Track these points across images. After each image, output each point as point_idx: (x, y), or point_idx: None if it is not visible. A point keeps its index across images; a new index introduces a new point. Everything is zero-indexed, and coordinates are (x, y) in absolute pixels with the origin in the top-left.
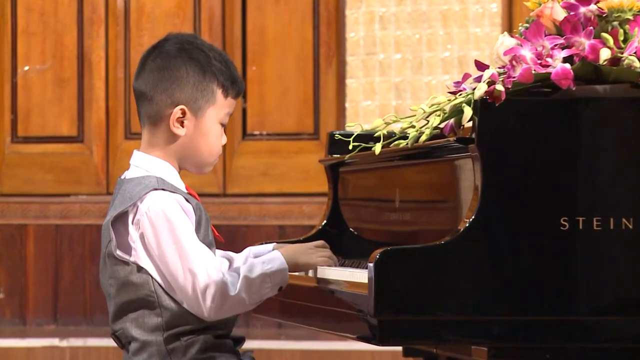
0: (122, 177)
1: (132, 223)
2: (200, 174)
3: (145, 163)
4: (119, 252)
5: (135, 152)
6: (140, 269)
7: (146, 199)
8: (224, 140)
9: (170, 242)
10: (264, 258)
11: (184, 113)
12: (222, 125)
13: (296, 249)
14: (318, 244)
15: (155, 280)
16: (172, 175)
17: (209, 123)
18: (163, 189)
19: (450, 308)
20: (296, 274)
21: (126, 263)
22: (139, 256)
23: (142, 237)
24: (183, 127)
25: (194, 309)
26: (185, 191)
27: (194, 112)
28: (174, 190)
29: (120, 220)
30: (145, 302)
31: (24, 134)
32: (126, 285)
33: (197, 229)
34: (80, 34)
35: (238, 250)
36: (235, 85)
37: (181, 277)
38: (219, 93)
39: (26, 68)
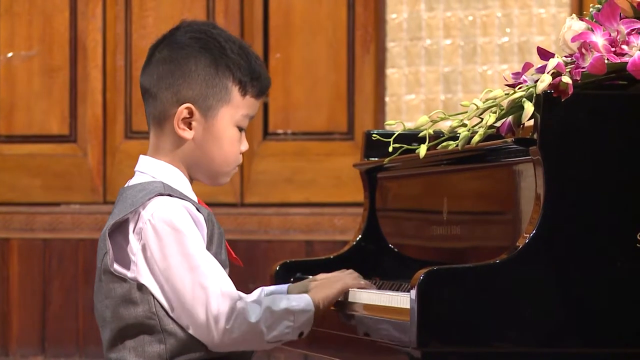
0: (125, 185)
1: (134, 232)
2: (214, 185)
3: (151, 168)
4: (116, 267)
5: (141, 157)
6: (140, 287)
7: (149, 205)
8: (244, 146)
9: (178, 254)
10: (290, 295)
11: (191, 113)
12: (240, 128)
13: (316, 284)
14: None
15: (157, 301)
16: (181, 183)
17: (222, 125)
18: (170, 195)
19: (508, 338)
20: None
21: (124, 280)
22: (140, 271)
23: (144, 248)
24: (191, 129)
25: (203, 333)
26: (196, 201)
27: (204, 113)
28: (182, 197)
29: (120, 230)
30: (145, 327)
31: (6, 132)
32: (123, 306)
33: (208, 246)
34: (73, 14)
35: (258, 269)
36: (257, 82)
37: (189, 295)
38: (235, 91)
39: (9, 55)
